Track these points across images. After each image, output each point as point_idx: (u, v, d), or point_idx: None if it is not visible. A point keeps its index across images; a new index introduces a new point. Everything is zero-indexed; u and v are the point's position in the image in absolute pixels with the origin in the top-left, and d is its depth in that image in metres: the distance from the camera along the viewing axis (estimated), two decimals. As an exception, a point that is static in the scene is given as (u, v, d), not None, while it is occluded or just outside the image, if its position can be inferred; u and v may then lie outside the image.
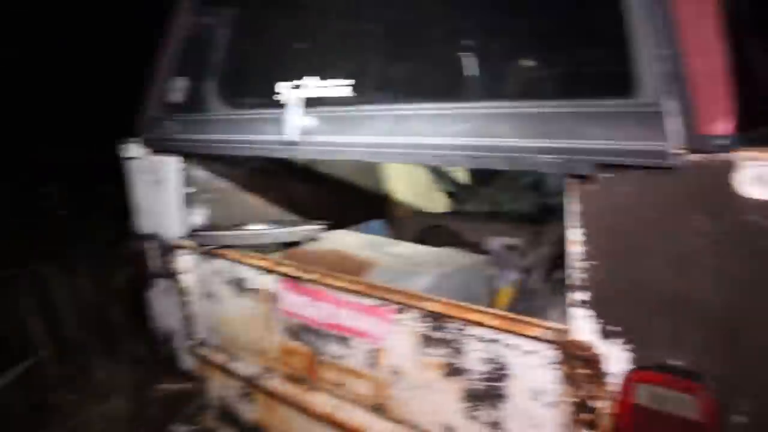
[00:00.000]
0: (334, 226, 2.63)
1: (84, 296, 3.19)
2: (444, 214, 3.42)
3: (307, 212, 2.82)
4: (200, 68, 2.55)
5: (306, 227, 2.34)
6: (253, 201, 2.68)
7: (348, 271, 2.04)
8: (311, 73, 1.96)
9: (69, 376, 3.17)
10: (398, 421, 1.82)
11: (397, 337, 1.74)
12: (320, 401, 2.02)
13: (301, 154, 1.85)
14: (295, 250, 2.35)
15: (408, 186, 3.41)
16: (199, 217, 2.52)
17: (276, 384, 2.19)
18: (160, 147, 2.46)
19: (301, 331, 2.06)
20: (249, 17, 2.49)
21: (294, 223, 2.41)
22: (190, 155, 2.46)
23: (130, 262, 2.76)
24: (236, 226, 2.37)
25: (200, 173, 2.51)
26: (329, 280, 1.88)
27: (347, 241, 2.49)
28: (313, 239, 2.39)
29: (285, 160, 2.61)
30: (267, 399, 2.28)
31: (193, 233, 2.41)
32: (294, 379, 2.13)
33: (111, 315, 3.29)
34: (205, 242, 2.30)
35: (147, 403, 2.77)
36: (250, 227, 2.31)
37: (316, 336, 2.00)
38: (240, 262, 2.20)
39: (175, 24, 2.54)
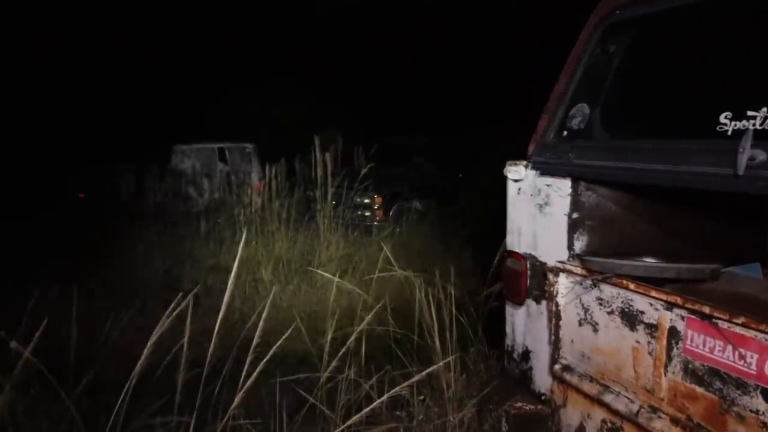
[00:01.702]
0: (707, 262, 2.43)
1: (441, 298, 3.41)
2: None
3: (684, 247, 2.67)
4: (592, 96, 2.59)
5: (711, 266, 2.20)
6: (633, 230, 2.61)
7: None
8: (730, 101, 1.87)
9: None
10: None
11: None
12: (723, 454, 1.86)
13: (749, 189, 1.73)
14: (694, 287, 2.22)
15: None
16: (581, 242, 2.53)
17: (660, 425, 2.07)
18: (554, 171, 2.54)
19: (706, 375, 1.92)
20: (656, 47, 2.45)
21: (690, 260, 2.27)
22: (577, 180, 2.50)
23: (502, 277, 2.89)
24: (627, 255, 2.32)
25: (587, 199, 2.53)
26: (763, 327, 1.71)
27: (747, 284, 2.28)
28: (712, 279, 2.23)
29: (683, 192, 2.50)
30: (641, 438, 2.18)
31: (580, 258, 2.42)
32: (687, 424, 2.00)
33: (460, 323, 3.47)
34: (597, 269, 2.29)
35: (498, 419, 2.84)
36: (649, 259, 2.23)
37: (729, 384, 1.85)
38: (636, 293, 2.14)
39: (576, 52, 2.62)
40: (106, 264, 6.70)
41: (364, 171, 7.76)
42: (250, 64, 18.04)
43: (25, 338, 2.46)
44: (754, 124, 1.82)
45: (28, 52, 14.63)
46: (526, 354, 2.85)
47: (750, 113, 1.84)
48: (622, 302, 2.23)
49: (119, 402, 2.34)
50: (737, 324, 1.79)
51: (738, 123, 1.87)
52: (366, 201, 8.99)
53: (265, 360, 2.31)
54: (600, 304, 2.35)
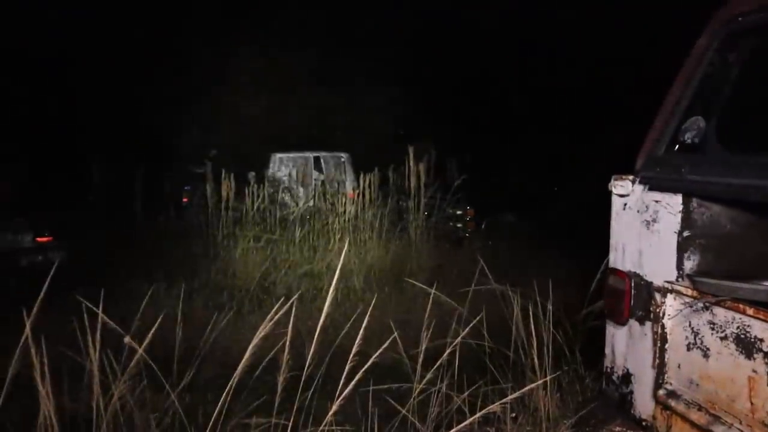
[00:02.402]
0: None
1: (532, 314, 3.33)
2: None
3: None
4: (708, 108, 2.46)
5: None
6: (752, 251, 2.45)
7: None
8: None
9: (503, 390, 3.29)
10: None
11: None
12: None
13: None
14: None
15: None
16: (691, 262, 2.40)
17: (778, 463, 1.93)
18: (664, 187, 2.42)
19: (835, 411, 1.77)
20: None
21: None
22: (690, 196, 2.37)
23: (604, 296, 2.79)
24: (744, 277, 2.18)
25: (699, 217, 2.40)
26: None
27: None
28: None
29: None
30: (757, 476, 2.03)
31: (691, 279, 2.30)
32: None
33: (556, 340, 3.38)
34: (710, 291, 2.16)
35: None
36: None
37: None
38: (755, 319, 2.00)
39: (691, 61, 2.50)
40: (207, 266, 7.01)
41: (457, 182, 7.74)
42: (346, 73, 18.40)
43: (138, 334, 2.61)
44: None
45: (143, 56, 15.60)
46: (627, 377, 2.72)
47: None
48: (738, 328, 2.09)
49: (222, 399, 2.43)
50: None
51: None
52: (458, 212, 8.95)
53: (363, 369, 2.34)
54: (712, 329, 2.22)
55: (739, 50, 2.42)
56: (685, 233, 2.39)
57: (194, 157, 14.34)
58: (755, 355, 2.03)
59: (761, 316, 1.98)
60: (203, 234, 8.56)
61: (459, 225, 9.00)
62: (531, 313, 3.22)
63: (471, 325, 2.81)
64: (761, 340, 2.00)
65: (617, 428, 2.68)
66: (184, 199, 14.08)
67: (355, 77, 18.29)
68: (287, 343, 2.42)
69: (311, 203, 10.69)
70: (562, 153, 10.62)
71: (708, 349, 2.25)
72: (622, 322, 2.68)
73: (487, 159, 10.98)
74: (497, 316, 3.82)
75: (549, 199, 9.66)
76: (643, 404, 2.62)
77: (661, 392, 2.48)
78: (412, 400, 2.78)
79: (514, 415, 3.23)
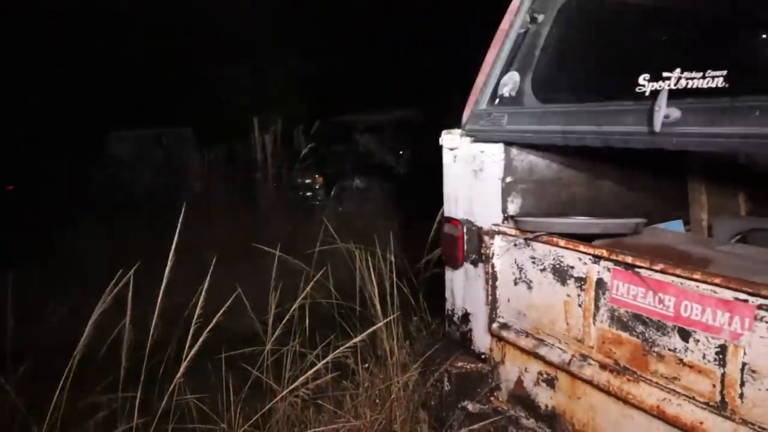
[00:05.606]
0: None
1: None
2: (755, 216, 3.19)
3: (612, 207, 2.82)
4: (522, 64, 2.68)
5: (635, 220, 2.33)
6: (565, 192, 2.73)
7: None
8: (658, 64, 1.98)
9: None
10: (744, 422, 1.72)
11: (760, 335, 1.66)
12: (646, 393, 1.99)
13: (666, 146, 1.85)
14: (619, 241, 2.35)
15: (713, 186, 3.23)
16: (514, 205, 2.63)
17: (590, 372, 2.20)
18: (487, 138, 2.62)
19: (630, 320, 2.04)
20: (580, 15, 2.56)
21: (618, 216, 2.40)
22: (510, 145, 2.59)
23: (440, 243, 2.97)
24: (557, 214, 2.43)
25: (519, 164, 2.62)
26: (678, 272, 1.84)
27: (668, 237, 2.43)
28: (635, 233, 2.36)
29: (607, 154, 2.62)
30: (574, 386, 2.31)
31: (513, 219, 2.52)
32: (614, 368, 2.13)
33: (401, 291, 3.55)
34: (529, 228, 2.39)
35: (440, 379, 2.94)
36: (577, 217, 2.35)
37: (650, 327, 1.97)
38: (566, 249, 2.25)
39: (505, 22, 2.70)
40: (45, 254, 6.52)
41: (304, 151, 7.77)
42: (186, 45, 17.57)
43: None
44: (669, 84, 1.93)
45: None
46: (465, 316, 2.95)
47: (665, 74, 1.95)
48: (554, 259, 2.34)
49: (61, 383, 2.32)
50: (656, 271, 1.91)
51: (655, 84, 1.98)
52: (307, 181, 8.98)
53: (207, 330, 2.33)
54: (533, 263, 2.46)
55: (546, 10, 2.64)
56: (508, 179, 2.61)
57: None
58: (568, 282, 2.28)
59: (571, 246, 2.23)
60: (39, 221, 7.94)
61: (309, 193, 9.05)
62: (375, 266, 3.34)
63: (314, 280, 2.87)
64: (572, 267, 2.26)
65: (459, 363, 2.89)
66: (8, 187, 12.84)
67: (198, 48, 17.54)
68: (128, 317, 2.35)
69: (155, 181, 10.22)
70: (412, 117, 10.86)
71: (531, 281, 2.49)
72: (457, 266, 2.88)
73: (334, 126, 11.04)
74: (345, 274, 3.94)
75: (396, 163, 9.94)
76: (481, 339, 2.86)
77: (494, 326, 2.71)
78: (264, 361, 2.81)
79: (367, 365, 3.37)
